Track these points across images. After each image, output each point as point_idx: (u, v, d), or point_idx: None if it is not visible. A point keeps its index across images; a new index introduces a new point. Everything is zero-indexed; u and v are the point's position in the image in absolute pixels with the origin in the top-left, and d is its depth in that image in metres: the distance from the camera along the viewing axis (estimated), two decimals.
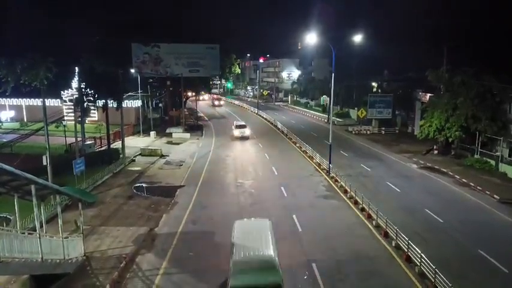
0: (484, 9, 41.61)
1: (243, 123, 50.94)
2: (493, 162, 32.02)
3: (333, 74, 31.34)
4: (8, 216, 20.14)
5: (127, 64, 53.84)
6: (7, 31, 53.03)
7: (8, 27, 53.69)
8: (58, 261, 14.94)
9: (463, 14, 42.58)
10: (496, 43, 38.89)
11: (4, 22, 53.64)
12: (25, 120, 58.13)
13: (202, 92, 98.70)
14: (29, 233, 13.81)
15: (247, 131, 47.99)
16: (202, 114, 73.96)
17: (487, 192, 26.06)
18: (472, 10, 42.18)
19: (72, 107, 37.00)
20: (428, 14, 49.64)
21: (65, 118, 39.63)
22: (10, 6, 53.96)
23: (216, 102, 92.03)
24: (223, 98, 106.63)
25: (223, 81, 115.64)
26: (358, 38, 31.95)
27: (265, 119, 66.30)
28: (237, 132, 47.35)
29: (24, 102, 60.63)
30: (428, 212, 22.59)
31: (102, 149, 40.59)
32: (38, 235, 13.74)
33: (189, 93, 70.76)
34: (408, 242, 17.01)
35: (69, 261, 15.83)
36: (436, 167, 32.92)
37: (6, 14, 54.21)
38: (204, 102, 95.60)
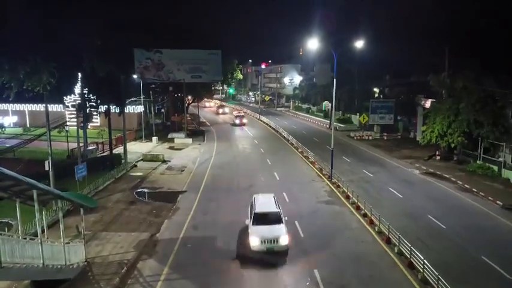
0: (485, 8, 41.67)
1: (274, 206, 19.92)
2: (495, 168, 31.90)
3: (335, 80, 31.40)
4: (9, 221, 20.14)
5: (129, 69, 54.10)
6: (8, 31, 53.23)
7: (9, 28, 53.93)
8: (59, 266, 14.91)
9: (465, 13, 42.60)
10: (497, 42, 38.87)
11: (4, 22, 53.85)
12: (28, 125, 58.39)
13: (209, 101, 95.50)
14: (30, 238, 13.80)
15: (283, 238, 17.69)
16: (204, 120, 74.07)
17: (489, 198, 25.93)
18: (474, 9, 42.23)
19: (75, 112, 37.15)
20: (430, 15, 49.72)
21: (68, 123, 39.75)
22: (11, 6, 54.25)
23: (220, 110, 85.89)
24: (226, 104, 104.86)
25: (225, 86, 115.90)
26: (359, 44, 32.04)
27: (267, 124, 66.34)
28: (256, 242, 17.69)
29: (27, 107, 60.94)
30: (431, 217, 22.49)
31: (104, 154, 40.65)
32: (39, 240, 13.72)
33: (191, 98, 70.81)
34: (411, 248, 16.92)
35: (71, 266, 15.79)
36: (438, 172, 32.82)
37: (7, 13, 54.48)
38: (210, 110, 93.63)
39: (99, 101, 36.66)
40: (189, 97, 68.82)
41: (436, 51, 41.61)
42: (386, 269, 16.85)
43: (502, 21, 39.00)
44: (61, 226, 16.06)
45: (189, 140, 50.09)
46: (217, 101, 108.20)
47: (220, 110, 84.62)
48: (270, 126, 63.45)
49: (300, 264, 17.29)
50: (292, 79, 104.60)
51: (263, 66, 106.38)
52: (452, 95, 35.97)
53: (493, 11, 41.11)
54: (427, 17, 50.11)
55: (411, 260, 16.78)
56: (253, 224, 18.52)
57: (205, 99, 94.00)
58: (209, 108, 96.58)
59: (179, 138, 50.34)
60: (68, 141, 38.27)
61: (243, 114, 70.36)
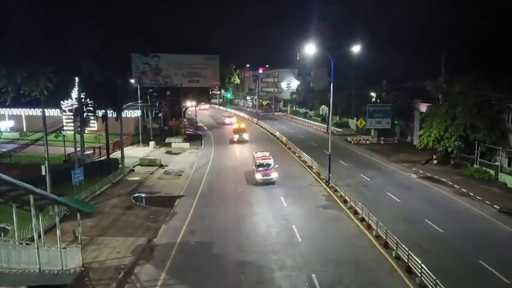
0: (481, 13, 42.02)
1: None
2: (492, 172, 32.00)
3: (332, 84, 31.50)
4: (6, 226, 20.04)
5: (127, 74, 54.16)
6: (8, 38, 53.35)
7: (9, 34, 54.05)
8: (56, 272, 14.83)
9: (461, 19, 42.94)
10: (494, 47, 39.10)
11: (5, 27, 53.96)
12: (24, 130, 58.16)
13: (231, 115, 74.45)
14: (27, 244, 13.73)
15: None
16: (201, 124, 74.05)
17: (487, 202, 25.99)
18: (470, 15, 42.57)
19: (72, 117, 37.09)
20: (427, 21, 50.13)
21: (65, 128, 39.67)
22: (11, 12, 54.42)
23: (236, 137, 52.90)
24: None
25: (222, 91, 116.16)
26: (356, 49, 32.15)
27: (265, 128, 66.36)
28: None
29: (23, 112, 60.78)
30: (428, 222, 22.50)
31: (101, 159, 40.55)
32: (36, 245, 13.65)
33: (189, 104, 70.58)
34: (408, 253, 16.92)
35: (67, 272, 15.70)
36: (435, 176, 32.88)
37: (8, 20, 54.63)
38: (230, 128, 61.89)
39: (96, 106, 36.60)
40: (189, 103, 68.72)
41: (433, 56, 41.86)
42: (384, 274, 16.82)
43: (499, 27, 39.31)
44: (58, 231, 15.97)
45: (187, 145, 50.03)
46: (245, 116, 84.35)
47: (236, 137, 52.89)
48: (268, 131, 63.45)
49: (297, 269, 17.25)
50: (290, 84, 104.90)
51: (260, 70, 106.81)
52: (449, 100, 36.13)
53: (490, 17, 41.46)
54: (424, 23, 50.53)
55: (409, 264, 16.77)
56: None
57: (225, 115, 77.38)
58: (230, 125, 68.35)
59: (176, 143, 50.28)
60: (65, 146, 38.16)
61: (269, 156, 33.66)
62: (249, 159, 41.49)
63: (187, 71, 58.74)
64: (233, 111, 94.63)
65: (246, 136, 53.20)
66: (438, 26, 47.15)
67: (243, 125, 56.11)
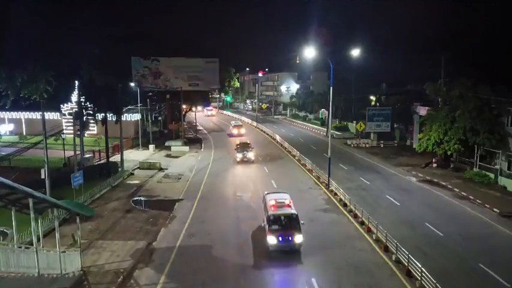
0: (481, 15, 42.21)
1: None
2: (492, 175, 31.99)
3: (331, 88, 31.56)
4: (5, 230, 19.97)
5: (127, 77, 54.26)
6: (8, 41, 53.50)
7: (9, 37, 54.22)
8: (55, 276, 14.78)
9: (461, 23, 43.15)
10: (493, 51, 39.23)
11: (6, 30, 54.12)
12: (24, 133, 58.19)
13: (239, 125, 64.39)
14: (26, 247, 13.69)
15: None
16: (201, 128, 74.08)
17: (486, 205, 25.96)
18: (470, 16, 42.80)
19: (72, 120, 37.08)
20: (426, 25, 50.36)
21: (64, 131, 39.68)
22: (12, 16, 54.60)
23: (239, 156, 41.59)
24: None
25: (222, 94, 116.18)
26: (356, 52, 32.24)
27: (265, 132, 66.35)
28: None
29: (23, 115, 60.88)
30: (428, 225, 22.48)
31: (101, 162, 40.52)
32: (35, 249, 13.61)
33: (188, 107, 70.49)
34: (408, 256, 16.89)
35: (66, 276, 15.65)
36: (435, 180, 32.88)
37: (8, 23, 54.79)
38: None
39: (96, 109, 36.64)
40: (193, 108, 68.48)
41: (433, 58, 41.98)
42: (384, 278, 16.78)
43: (499, 27, 39.45)
44: (57, 235, 15.94)
45: (186, 148, 50.00)
46: (245, 119, 78.64)
47: (239, 156, 41.51)
48: (268, 134, 63.43)
49: (297, 273, 17.20)
50: (289, 87, 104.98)
51: (260, 74, 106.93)
52: (448, 103, 36.17)
53: (490, 17, 41.63)
54: (424, 25, 50.74)
55: (409, 267, 16.73)
56: None
57: (233, 124, 67.76)
58: (239, 136, 59.26)
59: (176, 146, 50.23)
60: (64, 149, 38.15)
61: (289, 201, 21.06)
62: (250, 164, 41.18)
63: (187, 74, 58.93)
64: (235, 115, 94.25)
65: (251, 155, 41.86)
66: (438, 28, 47.35)
67: (248, 140, 48.36)
